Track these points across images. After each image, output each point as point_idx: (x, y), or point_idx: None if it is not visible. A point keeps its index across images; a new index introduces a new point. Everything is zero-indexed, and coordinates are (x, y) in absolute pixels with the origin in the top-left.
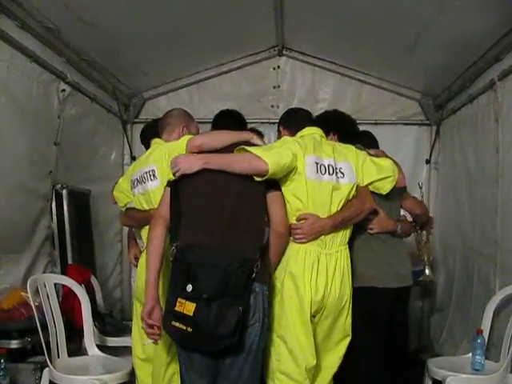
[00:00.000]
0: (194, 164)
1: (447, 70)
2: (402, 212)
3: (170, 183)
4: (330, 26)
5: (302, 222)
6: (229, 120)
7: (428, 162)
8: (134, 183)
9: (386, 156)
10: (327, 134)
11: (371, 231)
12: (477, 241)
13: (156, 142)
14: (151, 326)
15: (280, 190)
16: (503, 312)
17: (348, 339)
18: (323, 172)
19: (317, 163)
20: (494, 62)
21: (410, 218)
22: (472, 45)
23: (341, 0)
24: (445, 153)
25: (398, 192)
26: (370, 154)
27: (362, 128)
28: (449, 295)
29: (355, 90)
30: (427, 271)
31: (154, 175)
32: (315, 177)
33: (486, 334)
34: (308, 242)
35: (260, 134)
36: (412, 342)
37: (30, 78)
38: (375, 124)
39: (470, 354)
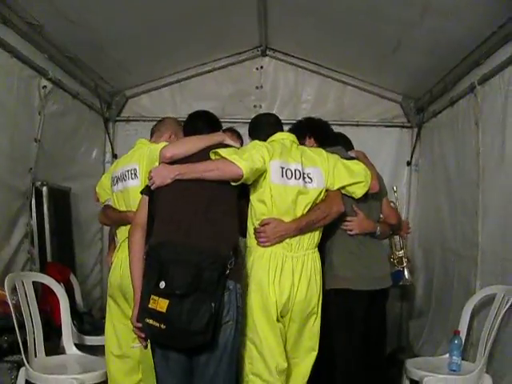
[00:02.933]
0: (166, 178)
1: (429, 73)
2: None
3: (146, 191)
4: (314, 27)
5: (265, 226)
6: (197, 122)
7: (409, 164)
8: (114, 180)
9: (366, 157)
10: (304, 137)
11: (350, 232)
12: (457, 243)
13: (141, 142)
14: (141, 330)
15: (247, 199)
16: (482, 313)
17: (314, 354)
18: (289, 176)
19: (282, 168)
20: (475, 67)
21: None
22: (453, 49)
23: (325, 1)
24: (425, 155)
25: (379, 194)
26: (351, 157)
27: (344, 129)
28: (428, 297)
29: (338, 92)
30: (407, 275)
31: (135, 174)
32: (280, 181)
33: (463, 335)
34: (272, 245)
35: (237, 134)
36: (390, 343)
37: (10, 74)
38: (357, 125)
39: (447, 355)
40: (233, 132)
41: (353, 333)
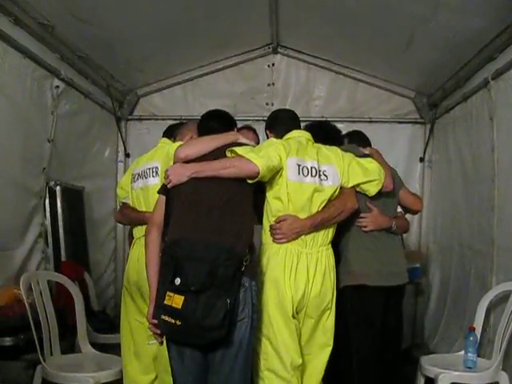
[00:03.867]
0: (182, 176)
1: (441, 69)
2: (399, 209)
3: (162, 190)
4: (325, 23)
5: (281, 222)
6: (210, 122)
7: (422, 160)
8: (134, 177)
9: (380, 155)
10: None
11: (365, 229)
12: (473, 238)
13: (163, 141)
14: (157, 327)
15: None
16: (498, 309)
17: (329, 349)
18: (305, 174)
19: (299, 165)
20: (488, 61)
21: None
22: (466, 44)
23: None
24: (439, 151)
25: (394, 189)
26: (365, 154)
27: (356, 126)
28: (444, 293)
29: (350, 88)
30: None
31: (156, 172)
32: (296, 178)
33: (478, 332)
34: (287, 242)
35: (253, 131)
36: (405, 340)
37: (23, 75)
38: (369, 122)
39: (463, 352)
40: (249, 129)
41: (369, 329)
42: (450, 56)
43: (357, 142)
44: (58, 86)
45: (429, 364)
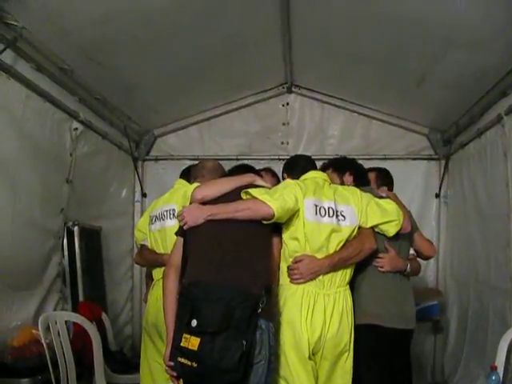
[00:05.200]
0: (198, 218)
1: (455, 105)
2: (411, 251)
3: (180, 232)
4: (338, 62)
5: (298, 263)
6: (239, 171)
7: (437, 196)
8: (152, 219)
9: (397, 197)
10: (344, 172)
11: (382, 269)
12: (490, 275)
13: (180, 183)
14: (173, 369)
15: (280, 235)
16: None
17: None
18: (323, 214)
19: (316, 205)
20: (501, 97)
21: None
22: (478, 80)
23: (349, 37)
24: (454, 187)
25: (408, 233)
26: (381, 196)
27: (371, 163)
28: (463, 331)
29: (364, 126)
30: None
31: (173, 214)
32: (314, 218)
33: (500, 371)
34: (305, 282)
35: (272, 173)
36: (425, 378)
37: (43, 117)
38: (384, 159)
39: None
40: (267, 171)
41: (380, 369)
42: (462, 92)
43: (386, 182)
44: (76, 128)
45: None
